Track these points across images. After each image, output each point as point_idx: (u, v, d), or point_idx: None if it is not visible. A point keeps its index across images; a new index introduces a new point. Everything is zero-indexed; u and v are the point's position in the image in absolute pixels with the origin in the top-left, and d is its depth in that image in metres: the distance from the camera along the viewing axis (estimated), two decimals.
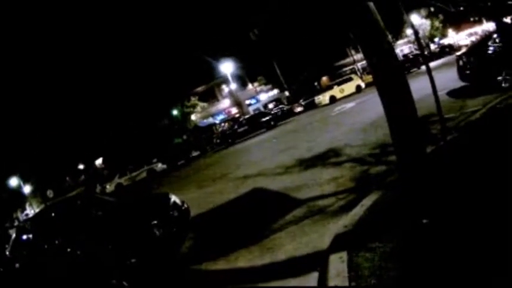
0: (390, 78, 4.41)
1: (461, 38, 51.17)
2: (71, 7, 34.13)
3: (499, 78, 10.52)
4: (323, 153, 9.94)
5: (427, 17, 52.07)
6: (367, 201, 5.00)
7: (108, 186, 32.24)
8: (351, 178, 6.77)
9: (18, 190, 53.79)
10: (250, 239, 5.52)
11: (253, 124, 29.12)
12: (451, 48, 43.59)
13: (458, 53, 13.77)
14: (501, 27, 6.71)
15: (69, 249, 5.59)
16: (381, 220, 4.35)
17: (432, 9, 50.02)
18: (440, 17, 52.55)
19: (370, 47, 4.48)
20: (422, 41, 46.17)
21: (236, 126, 30.31)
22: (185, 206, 6.60)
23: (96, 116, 39.62)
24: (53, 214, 7.24)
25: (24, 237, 6.83)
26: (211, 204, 8.76)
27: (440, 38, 53.91)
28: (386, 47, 4.44)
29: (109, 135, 41.01)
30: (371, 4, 4.40)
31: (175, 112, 44.37)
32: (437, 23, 53.60)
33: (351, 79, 33.64)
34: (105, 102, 39.06)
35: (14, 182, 51.69)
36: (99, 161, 51.42)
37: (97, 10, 36.78)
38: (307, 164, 9.42)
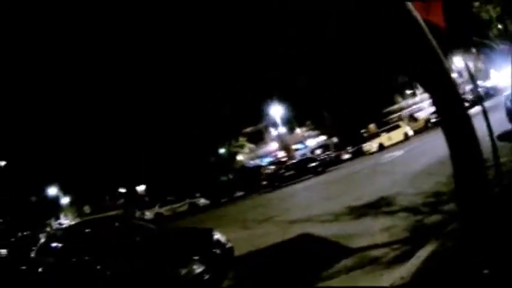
0: (455, 114, 4.18)
1: (504, 78, 47.68)
2: None
3: None
4: (374, 202, 9.49)
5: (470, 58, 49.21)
6: (424, 252, 4.82)
7: (147, 213, 32.50)
8: (405, 228, 6.47)
9: (55, 199, 55.81)
10: (295, 284, 5.32)
11: (300, 169, 28.61)
12: (495, 90, 40.15)
13: (506, 93, 12.61)
14: None
15: (98, 267, 5.29)
16: (440, 272, 4.27)
17: (474, 50, 47.63)
18: (482, 57, 49.73)
19: (433, 83, 4.24)
20: (463, 85, 44.43)
21: (283, 170, 30.05)
22: (229, 245, 6.24)
23: (146, 144, 40.66)
24: (88, 230, 7.08)
25: (54, 244, 6.73)
26: (255, 247, 8.39)
27: (483, 80, 49.84)
28: (449, 81, 4.21)
29: (157, 164, 41.95)
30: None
31: (222, 150, 44.74)
32: (479, 64, 50.52)
33: (398, 126, 32.81)
34: (158, 134, 40.12)
35: (53, 191, 53.80)
36: (141, 188, 52.37)
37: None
38: (358, 212, 8.98)
